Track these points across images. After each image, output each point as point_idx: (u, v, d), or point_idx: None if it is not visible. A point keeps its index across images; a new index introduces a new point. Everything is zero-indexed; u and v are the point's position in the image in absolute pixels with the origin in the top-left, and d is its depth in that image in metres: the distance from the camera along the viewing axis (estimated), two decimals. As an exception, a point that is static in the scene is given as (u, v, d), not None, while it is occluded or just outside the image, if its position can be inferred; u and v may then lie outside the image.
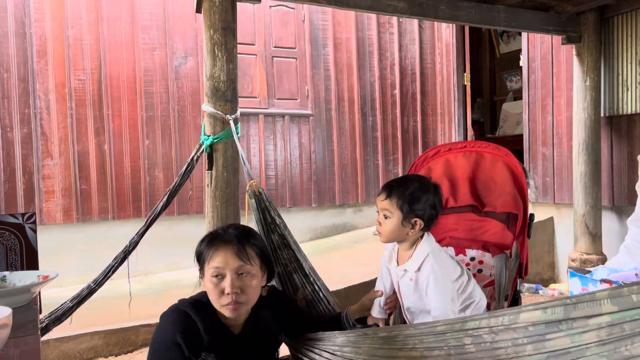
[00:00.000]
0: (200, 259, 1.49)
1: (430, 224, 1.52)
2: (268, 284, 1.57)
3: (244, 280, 1.42)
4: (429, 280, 1.46)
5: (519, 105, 5.71)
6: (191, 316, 1.42)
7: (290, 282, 1.86)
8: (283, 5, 4.93)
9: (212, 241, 1.47)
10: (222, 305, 1.42)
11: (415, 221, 1.48)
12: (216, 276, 1.41)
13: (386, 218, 1.50)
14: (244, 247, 1.44)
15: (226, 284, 1.40)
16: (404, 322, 1.73)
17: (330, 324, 1.72)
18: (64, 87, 4.09)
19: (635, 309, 0.93)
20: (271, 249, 1.89)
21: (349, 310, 1.69)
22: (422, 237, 1.52)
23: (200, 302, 1.47)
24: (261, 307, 1.54)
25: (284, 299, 1.70)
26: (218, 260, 1.42)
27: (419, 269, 1.48)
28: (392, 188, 1.50)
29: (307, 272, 1.88)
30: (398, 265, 1.55)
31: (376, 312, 1.62)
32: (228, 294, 1.39)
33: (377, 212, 1.54)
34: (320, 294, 1.87)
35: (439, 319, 1.43)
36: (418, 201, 1.48)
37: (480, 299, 1.57)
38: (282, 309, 1.63)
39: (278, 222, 1.91)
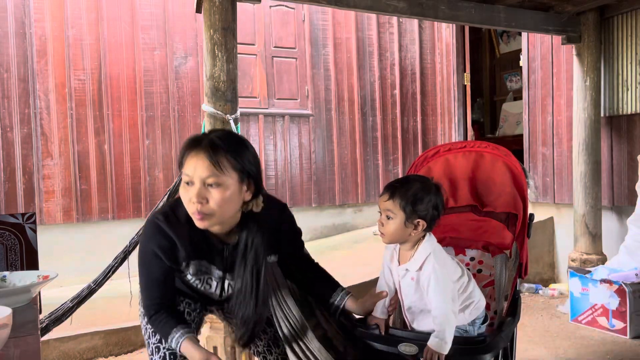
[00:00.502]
0: (180, 162, 1.43)
1: (432, 225, 1.53)
2: (260, 199, 1.49)
3: (212, 192, 1.35)
4: (430, 279, 1.46)
5: (519, 105, 5.71)
6: (165, 230, 1.42)
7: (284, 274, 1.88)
8: (283, 5, 4.93)
9: (188, 145, 1.40)
10: (190, 212, 1.39)
11: (418, 222, 1.48)
12: (187, 183, 1.37)
13: (389, 219, 1.49)
14: (216, 157, 1.35)
15: (193, 191, 1.35)
16: (404, 323, 1.73)
17: (322, 285, 1.69)
18: (64, 87, 4.09)
19: None
20: None
21: (346, 301, 1.64)
22: (423, 237, 1.53)
23: (174, 212, 1.45)
24: (253, 220, 1.48)
25: (282, 219, 1.61)
26: (188, 167, 1.37)
27: (420, 269, 1.49)
28: (395, 189, 1.49)
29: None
30: (399, 265, 1.55)
31: (378, 312, 1.62)
32: (193, 202, 1.35)
33: (380, 212, 1.54)
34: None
35: (439, 318, 1.43)
36: (421, 202, 1.48)
37: (480, 299, 1.58)
38: (276, 228, 1.56)
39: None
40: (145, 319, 1.54)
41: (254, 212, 1.48)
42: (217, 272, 1.52)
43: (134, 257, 2.49)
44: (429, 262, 1.47)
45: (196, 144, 1.38)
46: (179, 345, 1.40)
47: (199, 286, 1.54)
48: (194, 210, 1.36)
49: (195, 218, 1.38)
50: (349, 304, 1.64)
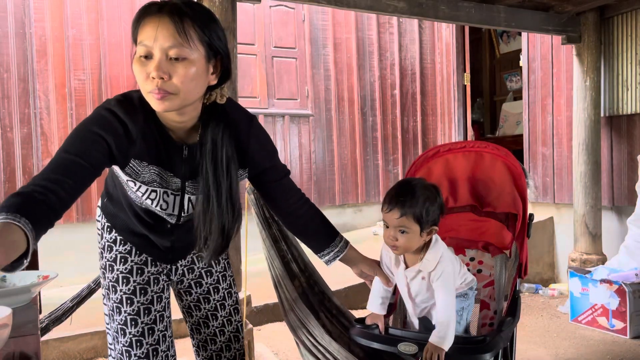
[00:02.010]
0: (132, 33, 1.18)
1: (438, 225, 1.55)
2: (225, 89, 1.30)
3: (176, 66, 1.12)
4: (440, 277, 1.49)
5: (519, 105, 5.71)
6: (118, 114, 1.17)
7: (288, 271, 1.87)
8: (283, 5, 4.93)
9: (145, 10, 1.15)
10: (147, 92, 1.15)
11: (432, 229, 1.50)
12: (146, 57, 1.13)
13: (403, 232, 1.48)
14: (182, 24, 1.12)
15: (151, 65, 1.12)
16: (404, 322, 1.73)
17: (313, 233, 1.54)
18: (64, 87, 4.09)
19: None
20: (270, 242, 1.89)
21: (345, 254, 1.54)
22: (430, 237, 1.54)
23: (130, 100, 1.21)
24: (216, 116, 1.27)
25: (251, 132, 1.35)
26: (145, 35, 1.12)
27: (434, 269, 1.50)
28: (404, 203, 1.46)
29: (306, 262, 1.91)
30: (407, 267, 1.55)
31: (377, 306, 1.61)
32: (153, 78, 1.12)
33: (386, 225, 1.52)
34: (316, 289, 1.88)
35: (443, 314, 1.45)
36: (432, 210, 1.49)
37: (468, 274, 1.63)
38: (245, 139, 1.34)
39: (276, 218, 1.94)
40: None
41: (217, 107, 1.28)
42: (175, 182, 1.30)
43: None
44: (442, 262, 1.49)
45: (156, 9, 1.14)
46: None
47: (153, 205, 1.30)
48: (153, 87, 1.12)
49: (154, 98, 1.14)
50: (346, 258, 1.56)
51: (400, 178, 5.17)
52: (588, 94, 3.83)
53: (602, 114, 3.92)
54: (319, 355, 1.67)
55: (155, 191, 1.29)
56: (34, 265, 1.73)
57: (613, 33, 3.87)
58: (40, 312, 1.50)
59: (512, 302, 1.71)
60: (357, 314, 1.87)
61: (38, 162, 4.00)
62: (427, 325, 1.57)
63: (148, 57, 1.13)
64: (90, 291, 2.32)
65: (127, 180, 1.28)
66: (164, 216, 1.36)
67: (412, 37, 5.58)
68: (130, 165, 1.23)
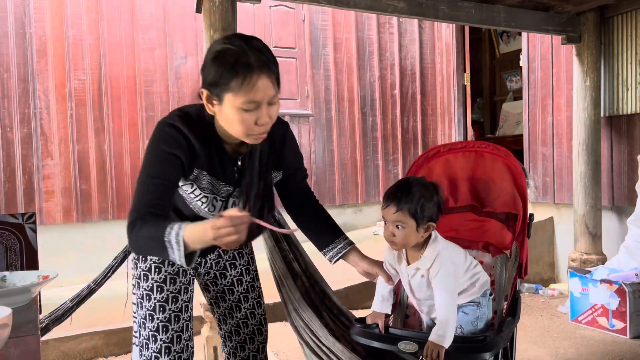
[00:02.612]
0: (220, 83, 1.26)
1: (437, 222, 1.55)
2: None
3: (272, 108, 1.30)
4: (438, 274, 1.49)
5: (519, 105, 5.71)
6: (182, 130, 1.31)
7: (290, 270, 1.90)
8: (283, 5, 4.93)
9: (240, 66, 1.25)
10: (251, 134, 1.29)
11: (429, 225, 1.50)
12: (249, 110, 1.26)
13: (399, 228, 1.50)
14: (276, 76, 1.30)
15: (261, 114, 1.27)
16: (404, 322, 1.73)
17: (321, 230, 1.61)
18: (64, 87, 4.09)
19: None
20: (272, 242, 1.93)
21: (348, 250, 1.59)
22: (429, 234, 1.54)
23: (189, 116, 1.34)
24: None
25: (287, 134, 1.55)
26: (257, 93, 1.25)
27: (431, 266, 1.50)
28: (400, 199, 1.49)
29: (307, 261, 1.93)
30: (409, 264, 1.56)
31: (378, 305, 1.62)
32: (263, 124, 1.28)
33: (385, 222, 1.53)
34: (317, 288, 1.89)
35: (442, 312, 1.45)
36: (428, 206, 1.49)
37: (483, 273, 1.63)
38: (281, 143, 1.52)
39: (277, 218, 1.96)
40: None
41: None
42: (227, 189, 1.43)
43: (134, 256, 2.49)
44: (439, 259, 1.50)
45: (248, 61, 1.26)
46: (182, 231, 1.18)
47: (203, 206, 1.42)
48: (262, 131, 1.29)
49: (257, 139, 1.31)
50: (353, 254, 1.61)
51: (400, 178, 5.17)
52: (588, 94, 3.83)
53: (602, 114, 3.92)
54: (324, 357, 1.68)
55: (207, 197, 1.42)
56: (34, 265, 1.73)
57: (613, 33, 3.87)
58: (40, 312, 1.49)
59: (512, 302, 1.71)
60: (357, 314, 1.87)
61: (38, 162, 4.00)
62: (431, 326, 1.57)
63: (252, 109, 1.26)
64: (90, 291, 2.32)
65: (182, 185, 1.39)
66: (208, 217, 1.45)
67: (412, 37, 5.58)
68: (194, 173, 1.37)
